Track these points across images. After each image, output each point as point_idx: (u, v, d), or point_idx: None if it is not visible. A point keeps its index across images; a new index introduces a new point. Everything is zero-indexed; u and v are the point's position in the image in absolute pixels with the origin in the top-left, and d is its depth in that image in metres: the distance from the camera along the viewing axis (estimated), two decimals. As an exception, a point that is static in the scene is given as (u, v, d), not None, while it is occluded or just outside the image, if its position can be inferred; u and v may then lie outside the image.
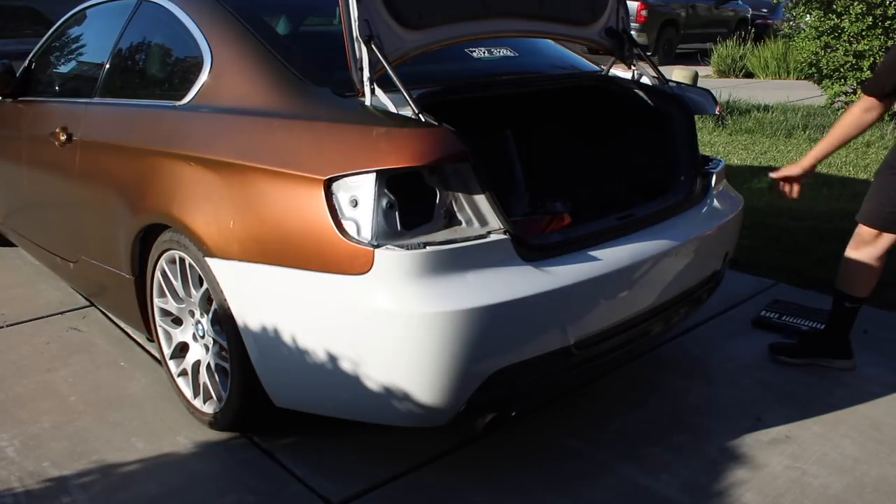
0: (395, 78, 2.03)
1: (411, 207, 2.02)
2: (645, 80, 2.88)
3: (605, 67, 2.93)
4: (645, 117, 2.81)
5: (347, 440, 2.52)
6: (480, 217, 2.05)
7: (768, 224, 4.60)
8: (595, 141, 3.02)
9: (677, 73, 7.10)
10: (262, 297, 2.17)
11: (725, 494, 2.29)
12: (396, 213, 1.98)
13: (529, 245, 2.07)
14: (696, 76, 7.07)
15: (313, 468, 2.39)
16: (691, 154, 2.72)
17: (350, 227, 1.99)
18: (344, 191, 2.00)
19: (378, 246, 1.94)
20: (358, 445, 2.50)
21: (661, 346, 3.18)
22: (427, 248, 1.92)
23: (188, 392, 2.66)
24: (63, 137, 3.04)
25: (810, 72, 7.72)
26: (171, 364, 2.72)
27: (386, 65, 2.04)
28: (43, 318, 3.51)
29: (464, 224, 2.04)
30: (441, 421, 2.08)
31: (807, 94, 9.09)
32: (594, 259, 2.15)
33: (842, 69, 7.35)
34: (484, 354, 1.97)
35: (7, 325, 3.42)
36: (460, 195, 2.04)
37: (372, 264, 1.93)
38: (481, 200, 2.04)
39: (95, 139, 2.90)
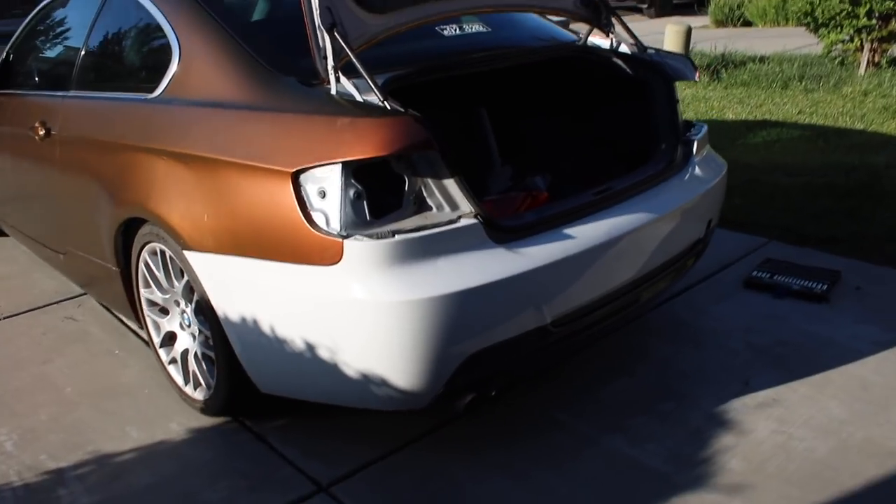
0: (358, 66, 2.01)
1: (380, 195, 2.01)
2: (623, 48, 2.84)
3: (582, 36, 2.88)
4: (624, 87, 2.77)
5: (336, 422, 2.55)
6: (451, 201, 2.04)
7: (762, 181, 4.57)
8: (575, 113, 2.98)
9: (670, 28, 6.97)
10: (240, 288, 2.19)
11: (710, 462, 2.31)
12: (365, 202, 1.97)
13: (501, 227, 2.06)
14: (689, 30, 6.94)
15: (303, 451, 2.43)
16: (672, 121, 2.69)
17: (319, 219, 1.99)
18: (311, 182, 1.99)
19: (347, 236, 1.94)
20: (346, 427, 2.53)
21: (649, 311, 3.19)
22: (396, 236, 1.92)
23: (179, 379, 2.69)
24: (42, 132, 3.03)
25: (806, 21, 7.57)
26: (162, 352, 2.75)
27: (349, 53, 2.02)
28: (39, 308, 3.54)
29: (434, 209, 2.04)
30: (421, 404, 2.10)
31: (804, 42, 8.94)
32: (568, 237, 2.14)
33: (837, 17, 7.20)
34: (458, 339, 1.98)
35: (4, 318, 3.46)
36: (429, 181, 2.03)
37: (342, 255, 1.94)
38: (450, 185, 2.03)
39: (73, 134, 2.89)
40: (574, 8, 2.77)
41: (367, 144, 1.92)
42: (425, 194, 2.04)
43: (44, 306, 3.56)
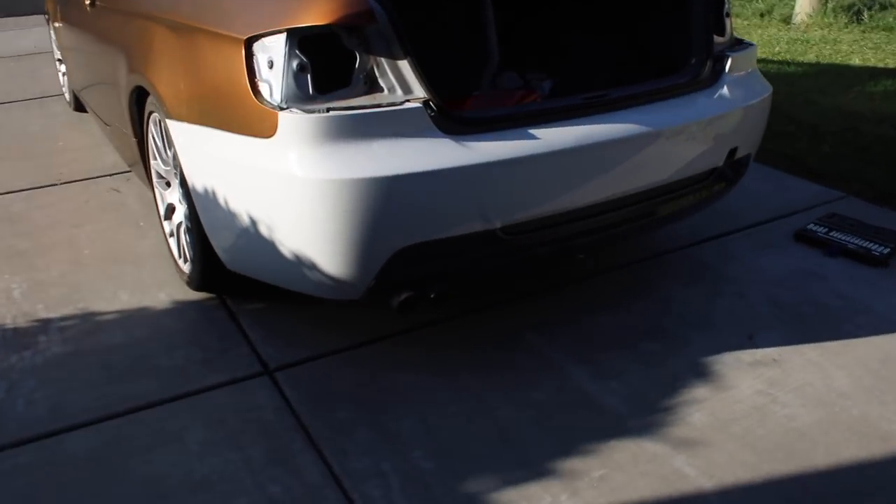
0: None
1: (331, 72, 1.90)
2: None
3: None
4: None
5: (315, 312, 2.54)
6: (404, 84, 1.91)
7: (862, 130, 4.04)
8: (601, 19, 2.70)
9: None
10: (202, 159, 2.17)
11: (671, 412, 2.11)
12: (308, 75, 1.87)
13: (454, 118, 1.91)
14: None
15: (266, 334, 2.44)
16: (705, 34, 2.38)
17: (264, 89, 1.92)
18: (262, 52, 1.92)
19: (284, 109, 1.86)
20: (322, 318, 2.52)
21: (675, 251, 2.93)
22: (330, 112, 1.82)
23: (175, 251, 2.76)
24: (88, 1, 3.12)
25: None
26: (165, 225, 2.82)
27: None
28: (93, 178, 3.74)
29: (385, 91, 1.91)
30: (354, 294, 2.03)
31: None
32: (531, 137, 1.96)
33: None
34: (388, 229, 1.88)
35: (60, 183, 3.68)
36: (382, 60, 1.90)
37: (276, 128, 1.86)
38: (404, 66, 1.90)
39: (106, 3, 2.96)
40: None
41: (306, 12, 1.82)
42: (377, 74, 1.91)
43: (98, 177, 3.75)
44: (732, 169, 2.48)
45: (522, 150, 1.94)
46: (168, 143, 2.52)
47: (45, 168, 3.87)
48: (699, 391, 2.19)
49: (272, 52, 1.90)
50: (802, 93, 4.70)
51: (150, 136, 2.71)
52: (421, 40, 2.03)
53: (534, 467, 1.92)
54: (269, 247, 2.03)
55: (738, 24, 6.51)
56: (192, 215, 2.36)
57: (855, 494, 1.82)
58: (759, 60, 5.32)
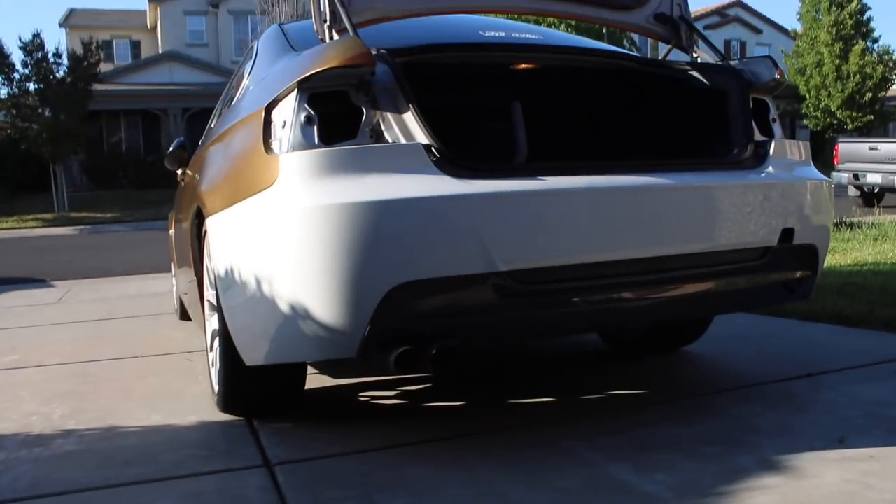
0: (345, 19, 2.06)
1: (340, 129, 1.97)
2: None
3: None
4: (692, 97, 2.47)
5: (337, 427, 2.35)
6: (408, 135, 1.92)
7: None
8: (634, 124, 2.68)
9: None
10: (224, 239, 2.23)
11: (727, 495, 1.68)
12: (315, 127, 1.94)
13: (456, 161, 1.87)
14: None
15: (280, 440, 2.25)
16: (744, 124, 2.30)
17: (275, 145, 1.99)
18: (277, 115, 2.03)
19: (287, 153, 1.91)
20: (345, 431, 2.32)
21: (755, 385, 2.54)
22: (324, 147, 1.85)
23: (213, 379, 2.70)
24: (179, 177, 3.49)
25: None
26: (209, 356, 2.80)
27: (343, 14, 2.07)
28: (173, 353, 3.83)
29: (391, 142, 1.93)
30: (350, 349, 1.86)
31: None
32: (536, 178, 1.87)
33: None
34: (380, 261, 1.77)
35: (141, 357, 3.82)
36: (388, 114, 1.95)
37: (279, 171, 1.90)
38: (408, 118, 1.93)
39: (190, 169, 3.30)
40: (648, 24, 2.61)
41: (313, 65, 1.94)
42: (383, 128, 1.95)
43: (178, 353, 3.85)
44: (793, 256, 2.22)
45: (524, 186, 1.85)
46: (209, 254, 2.60)
47: (133, 347, 4.04)
48: (768, 479, 1.75)
49: (285, 112, 2.00)
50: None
51: (204, 264, 2.81)
52: (445, 127, 2.08)
53: (539, 536, 1.54)
54: (272, 308, 1.95)
55: (850, 241, 6.29)
56: (221, 320, 2.34)
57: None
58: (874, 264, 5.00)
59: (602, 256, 1.93)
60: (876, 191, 11.90)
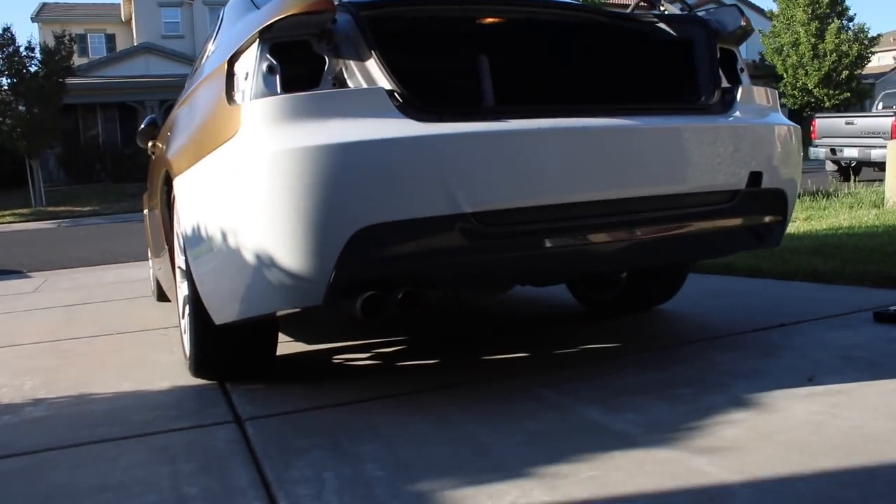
0: None
1: (303, 79, 1.94)
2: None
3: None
4: (658, 48, 2.45)
5: (313, 390, 2.32)
6: (371, 82, 1.90)
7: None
8: (599, 74, 2.67)
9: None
10: (190, 196, 2.19)
11: (695, 429, 1.68)
12: (277, 76, 1.91)
13: (419, 105, 1.84)
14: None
15: (251, 399, 2.23)
16: (711, 71, 2.29)
17: (238, 97, 1.96)
18: (240, 67, 1.99)
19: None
20: (322, 390, 2.29)
21: (729, 336, 2.55)
22: (283, 94, 1.82)
23: (186, 346, 2.67)
24: (150, 151, 3.44)
25: None
26: (181, 323, 2.77)
27: None
28: (149, 330, 3.80)
29: (353, 87, 1.90)
30: (317, 297, 1.84)
31: None
32: (500, 119, 1.85)
33: None
34: (345, 205, 1.75)
35: (117, 334, 3.77)
36: (351, 62, 1.92)
37: (241, 120, 1.87)
38: (371, 65, 1.90)
39: (160, 142, 3.25)
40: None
41: (273, 13, 1.90)
42: (346, 76, 1.92)
43: (153, 329, 3.82)
44: (761, 200, 2.22)
45: (488, 127, 1.83)
46: (178, 218, 2.57)
47: (108, 326, 4.00)
48: (736, 415, 1.75)
49: (247, 64, 1.97)
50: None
51: (174, 231, 2.78)
52: (412, 81, 2.05)
53: (507, 471, 1.53)
54: (238, 261, 1.92)
55: (827, 209, 6.33)
56: (190, 283, 2.31)
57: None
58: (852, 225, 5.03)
59: (569, 198, 1.91)
60: (853, 165, 11.96)
